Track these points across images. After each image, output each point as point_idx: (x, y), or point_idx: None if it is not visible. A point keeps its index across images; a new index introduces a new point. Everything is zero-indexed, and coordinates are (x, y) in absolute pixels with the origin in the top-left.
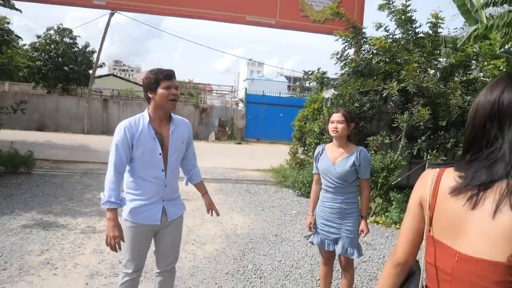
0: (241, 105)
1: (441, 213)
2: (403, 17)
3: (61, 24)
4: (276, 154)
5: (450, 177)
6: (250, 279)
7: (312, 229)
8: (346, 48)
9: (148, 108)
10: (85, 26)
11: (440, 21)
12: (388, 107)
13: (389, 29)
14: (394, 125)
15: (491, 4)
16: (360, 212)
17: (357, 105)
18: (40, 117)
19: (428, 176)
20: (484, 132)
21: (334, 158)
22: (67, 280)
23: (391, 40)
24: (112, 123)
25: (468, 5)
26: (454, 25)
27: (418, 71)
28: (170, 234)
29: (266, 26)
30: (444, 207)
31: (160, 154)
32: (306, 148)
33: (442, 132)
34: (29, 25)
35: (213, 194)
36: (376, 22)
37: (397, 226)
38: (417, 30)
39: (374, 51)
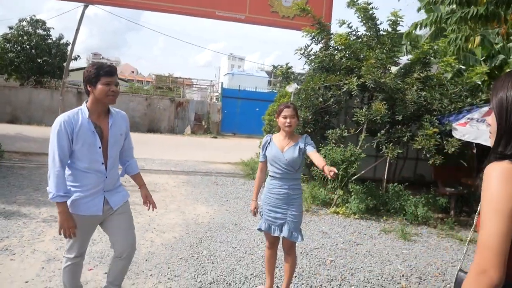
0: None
1: None
2: (364, 15)
3: (34, 15)
4: (250, 148)
5: None
6: (202, 264)
7: (255, 214)
8: (310, 44)
9: (86, 102)
10: (62, 17)
11: (399, 19)
12: (355, 102)
13: (351, 26)
14: (354, 119)
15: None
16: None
17: (321, 99)
18: (12, 110)
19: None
20: None
21: (282, 147)
22: (23, 265)
23: (355, 37)
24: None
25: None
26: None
27: (376, 67)
28: (118, 220)
29: (236, 21)
30: None
31: (100, 148)
32: None
33: (399, 126)
34: (5, 16)
35: (180, 185)
36: (339, 19)
37: (356, 217)
38: (378, 28)
39: (337, 47)
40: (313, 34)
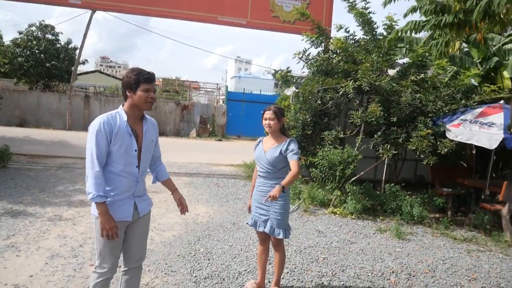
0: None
1: None
2: (362, 19)
3: (43, 20)
4: (253, 150)
5: None
6: (199, 260)
7: (250, 211)
8: (308, 48)
9: (123, 105)
10: (72, 21)
11: (394, 23)
12: (354, 105)
13: (349, 31)
14: (350, 121)
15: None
16: (288, 199)
17: (320, 102)
18: (21, 113)
19: None
20: None
21: (266, 147)
22: (28, 260)
23: (353, 41)
24: (94, 119)
25: None
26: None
27: (372, 70)
28: (139, 229)
29: (238, 26)
30: None
31: (135, 150)
32: None
33: (395, 128)
34: (15, 20)
35: (182, 187)
36: (336, 24)
37: (353, 217)
38: (374, 32)
39: (336, 51)
40: (312, 38)
